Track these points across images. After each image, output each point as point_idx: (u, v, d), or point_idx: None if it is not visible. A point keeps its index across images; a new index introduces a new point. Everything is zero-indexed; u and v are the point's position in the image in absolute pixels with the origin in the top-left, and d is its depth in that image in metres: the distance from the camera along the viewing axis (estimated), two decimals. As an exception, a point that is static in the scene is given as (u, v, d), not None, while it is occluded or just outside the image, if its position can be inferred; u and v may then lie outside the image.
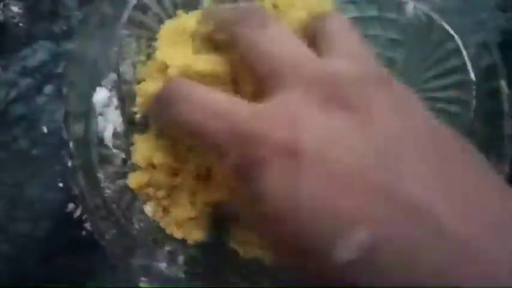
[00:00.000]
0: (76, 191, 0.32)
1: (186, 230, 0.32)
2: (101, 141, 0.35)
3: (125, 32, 0.38)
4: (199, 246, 0.35)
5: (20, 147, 0.47)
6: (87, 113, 0.35)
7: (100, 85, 0.36)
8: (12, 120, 0.48)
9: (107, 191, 0.33)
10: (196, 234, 0.32)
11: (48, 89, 0.50)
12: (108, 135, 0.36)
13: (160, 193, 0.36)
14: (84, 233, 0.46)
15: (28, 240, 0.45)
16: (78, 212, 0.46)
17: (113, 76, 0.38)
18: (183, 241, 0.36)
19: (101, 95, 0.36)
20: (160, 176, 0.36)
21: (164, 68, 0.34)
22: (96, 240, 0.44)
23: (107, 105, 0.37)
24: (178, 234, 0.34)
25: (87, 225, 0.46)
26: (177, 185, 0.35)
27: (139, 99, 0.36)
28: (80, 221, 0.46)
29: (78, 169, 0.32)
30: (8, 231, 0.45)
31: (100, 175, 0.34)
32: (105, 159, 0.35)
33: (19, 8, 0.51)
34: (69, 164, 0.32)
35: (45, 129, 0.48)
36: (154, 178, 0.35)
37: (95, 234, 0.31)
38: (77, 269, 0.45)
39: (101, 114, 0.36)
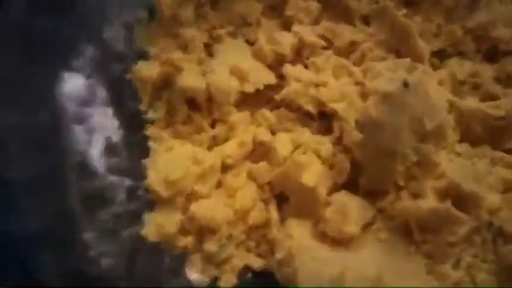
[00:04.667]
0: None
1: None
2: (82, 168, 0.19)
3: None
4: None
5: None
6: (54, 127, 0.19)
7: (69, 69, 0.20)
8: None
9: (103, 260, 0.18)
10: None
11: None
12: (95, 154, 0.20)
13: (211, 245, 0.21)
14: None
15: None
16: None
17: (90, 50, 0.21)
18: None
19: (71, 87, 0.20)
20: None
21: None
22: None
23: (87, 102, 0.21)
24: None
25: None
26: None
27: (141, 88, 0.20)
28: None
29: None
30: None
31: (88, 234, 0.18)
32: (97, 198, 0.20)
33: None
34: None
35: None
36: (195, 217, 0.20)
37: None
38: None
39: (79, 122, 0.20)
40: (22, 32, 0.21)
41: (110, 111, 0.22)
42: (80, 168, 0.20)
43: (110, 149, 0.21)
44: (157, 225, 0.22)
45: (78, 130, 0.20)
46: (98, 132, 0.21)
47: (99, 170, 0.21)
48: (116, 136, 0.22)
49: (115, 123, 0.22)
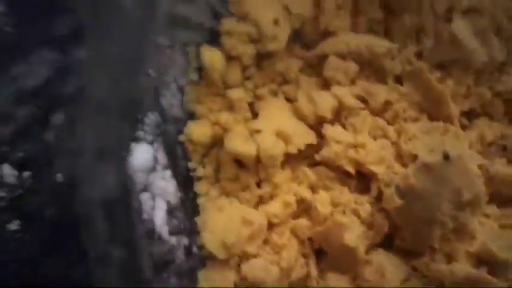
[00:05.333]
0: None
1: None
2: (151, 235, 0.21)
3: (163, 39, 0.23)
4: None
5: (30, 206, 0.33)
6: (124, 199, 0.20)
7: (137, 139, 0.21)
8: (13, 169, 0.34)
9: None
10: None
11: (57, 118, 0.34)
12: (160, 219, 0.21)
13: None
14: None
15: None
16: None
17: (152, 118, 0.22)
18: None
19: (140, 157, 0.21)
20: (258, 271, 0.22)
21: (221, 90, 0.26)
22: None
23: (152, 169, 0.22)
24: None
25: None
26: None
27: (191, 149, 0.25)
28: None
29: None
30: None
31: None
32: (161, 266, 0.21)
33: (2, 6, 0.35)
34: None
35: (60, 177, 0.33)
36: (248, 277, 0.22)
37: None
38: None
39: (145, 189, 0.21)
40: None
41: (168, 173, 0.23)
42: (147, 235, 0.21)
43: (170, 212, 0.22)
44: (213, 282, 0.24)
45: (144, 198, 0.21)
46: (159, 196, 0.22)
47: (163, 234, 0.22)
48: (174, 198, 0.23)
49: (173, 185, 0.23)
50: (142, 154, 0.21)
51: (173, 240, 0.23)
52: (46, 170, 0.34)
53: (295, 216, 0.27)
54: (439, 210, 0.24)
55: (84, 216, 0.19)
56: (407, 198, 0.25)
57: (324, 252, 0.28)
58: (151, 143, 0.22)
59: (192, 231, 0.24)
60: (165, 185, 0.23)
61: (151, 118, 0.22)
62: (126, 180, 0.20)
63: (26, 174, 0.34)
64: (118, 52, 0.21)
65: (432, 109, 0.29)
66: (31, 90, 0.36)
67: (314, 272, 0.27)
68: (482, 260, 0.25)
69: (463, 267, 0.24)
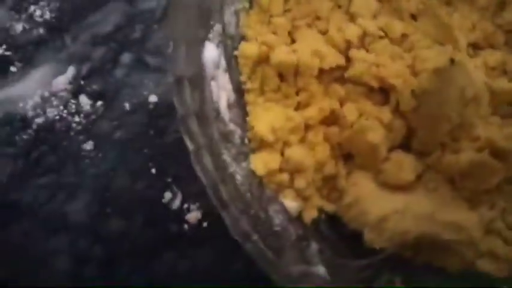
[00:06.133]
0: (201, 175, 0.24)
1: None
2: (217, 114, 0.27)
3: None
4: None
5: (101, 130, 0.39)
6: (201, 78, 0.26)
7: (208, 39, 0.27)
8: (89, 99, 0.40)
9: (238, 176, 0.25)
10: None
11: (126, 58, 0.41)
12: (223, 106, 0.28)
13: (301, 181, 0.27)
14: (186, 226, 0.38)
15: (122, 239, 0.38)
16: (177, 202, 0.38)
17: (218, 27, 0.28)
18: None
19: (210, 51, 0.27)
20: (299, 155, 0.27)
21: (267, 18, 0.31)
22: (199, 234, 0.36)
23: (217, 66, 0.28)
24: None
25: (189, 217, 0.38)
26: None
27: (242, 63, 0.31)
28: (179, 213, 0.38)
29: (203, 151, 0.24)
30: (98, 232, 0.37)
31: (226, 157, 0.25)
32: (225, 137, 0.27)
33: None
34: (191, 146, 0.24)
35: (127, 107, 0.40)
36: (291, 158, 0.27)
37: (235, 235, 0.23)
38: (179, 269, 0.37)
39: (213, 79, 0.27)
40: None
41: (227, 76, 0.29)
42: (215, 113, 0.27)
43: (229, 105, 0.28)
44: (263, 162, 0.29)
45: (213, 85, 0.27)
46: (222, 89, 0.28)
47: (225, 118, 0.28)
48: (231, 97, 0.29)
49: (230, 86, 0.29)
50: (211, 51, 0.28)
51: (231, 126, 0.29)
52: (115, 100, 0.41)
53: (328, 124, 0.33)
54: (446, 107, 0.30)
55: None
56: (421, 99, 0.30)
57: (351, 157, 0.34)
58: (217, 45, 0.28)
59: (244, 127, 0.30)
60: (225, 83, 0.29)
61: (217, 27, 0.29)
62: (201, 67, 0.26)
63: (99, 103, 0.41)
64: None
65: (443, 39, 0.35)
66: (104, 35, 0.43)
67: (342, 171, 0.33)
68: (485, 149, 0.30)
69: (467, 154, 0.30)
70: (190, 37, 0.26)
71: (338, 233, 0.30)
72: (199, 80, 0.26)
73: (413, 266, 0.30)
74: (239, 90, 0.31)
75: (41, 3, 0.43)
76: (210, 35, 0.27)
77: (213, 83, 0.27)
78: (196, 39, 0.26)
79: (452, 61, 0.29)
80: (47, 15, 0.43)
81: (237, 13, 0.31)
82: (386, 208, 0.30)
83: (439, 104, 0.29)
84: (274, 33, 0.33)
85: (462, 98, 0.29)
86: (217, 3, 0.28)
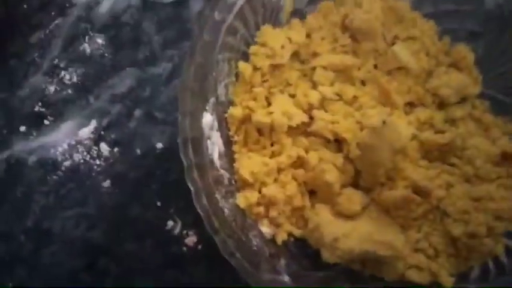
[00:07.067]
0: (198, 209, 0.34)
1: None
2: (211, 163, 0.37)
3: (220, 56, 0.40)
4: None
5: (117, 171, 0.49)
6: (200, 138, 0.36)
7: (206, 110, 0.38)
8: (108, 146, 0.50)
9: (225, 210, 0.35)
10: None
11: (138, 113, 0.52)
12: (215, 157, 0.38)
13: (274, 212, 0.37)
14: (185, 248, 0.47)
15: (134, 258, 0.47)
16: (178, 229, 0.47)
17: (212, 100, 0.39)
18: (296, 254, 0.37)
19: (207, 119, 0.38)
20: (272, 192, 0.37)
21: (249, 88, 0.41)
22: (196, 255, 0.46)
23: (211, 128, 0.38)
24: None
25: (187, 241, 0.47)
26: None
27: (230, 123, 0.40)
28: (180, 237, 0.47)
29: (201, 192, 0.34)
30: (114, 252, 0.47)
31: (217, 195, 0.35)
32: (217, 180, 0.37)
33: (103, 40, 0.54)
34: (192, 188, 0.34)
35: (139, 152, 0.50)
36: (266, 195, 0.37)
37: (224, 254, 0.33)
38: (181, 283, 0.47)
39: (209, 138, 0.37)
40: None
41: (219, 134, 0.39)
42: (210, 163, 0.37)
43: (220, 155, 0.39)
44: (245, 198, 0.39)
45: (208, 142, 0.37)
46: (215, 144, 0.38)
47: (217, 165, 0.38)
48: (222, 148, 0.39)
49: (221, 141, 0.39)
50: (208, 118, 0.38)
51: (222, 171, 0.39)
52: (129, 146, 0.51)
53: (295, 167, 0.43)
54: (381, 156, 0.40)
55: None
56: (363, 149, 0.41)
57: (314, 193, 0.44)
58: (211, 114, 0.39)
59: (231, 171, 0.40)
60: (218, 139, 0.39)
61: (212, 100, 0.39)
62: (200, 131, 0.37)
63: (116, 149, 0.51)
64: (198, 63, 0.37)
65: (384, 101, 0.45)
66: (120, 94, 0.53)
67: (307, 203, 0.43)
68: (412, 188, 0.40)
69: (398, 191, 0.40)
70: (193, 110, 0.36)
71: (303, 252, 0.39)
72: (198, 140, 0.36)
73: (360, 277, 0.39)
74: (228, 143, 0.41)
75: (70, 69, 0.53)
76: (207, 107, 0.38)
77: (208, 141, 0.37)
78: (197, 111, 0.37)
79: (384, 122, 0.39)
80: (75, 79, 0.53)
81: (226, 86, 0.42)
82: (338, 232, 0.39)
83: (375, 154, 0.40)
84: (255, 99, 0.43)
85: (392, 149, 0.39)
86: (212, 82, 0.39)
